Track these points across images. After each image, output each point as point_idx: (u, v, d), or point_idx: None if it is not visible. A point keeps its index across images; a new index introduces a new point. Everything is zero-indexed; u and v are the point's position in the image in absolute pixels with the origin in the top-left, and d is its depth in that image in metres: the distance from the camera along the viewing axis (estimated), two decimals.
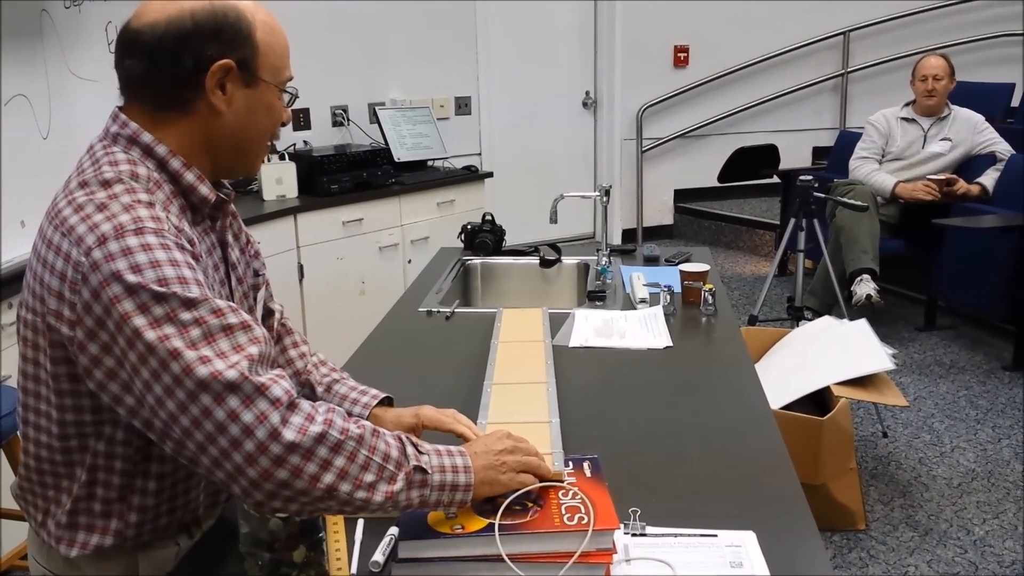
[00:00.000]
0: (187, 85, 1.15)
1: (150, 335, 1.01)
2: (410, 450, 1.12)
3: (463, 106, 5.44)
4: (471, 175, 4.63)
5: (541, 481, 1.22)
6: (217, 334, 1.03)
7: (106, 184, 1.10)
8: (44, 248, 1.10)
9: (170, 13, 1.13)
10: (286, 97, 1.25)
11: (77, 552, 1.19)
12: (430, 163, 4.72)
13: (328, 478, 1.03)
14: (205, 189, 1.21)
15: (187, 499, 1.24)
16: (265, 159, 1.34)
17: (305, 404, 1.05)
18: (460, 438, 1.35)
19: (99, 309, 1.04)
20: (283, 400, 1.02)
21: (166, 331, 1.01)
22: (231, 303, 1.09)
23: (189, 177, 1.19)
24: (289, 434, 1.01)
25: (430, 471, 1.12)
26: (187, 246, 1.11)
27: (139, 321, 1.02)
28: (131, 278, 1.02)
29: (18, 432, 1.27)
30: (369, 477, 1.06)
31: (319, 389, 1.47)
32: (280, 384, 1.04)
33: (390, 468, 1.08)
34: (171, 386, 1.01)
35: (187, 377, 1.00)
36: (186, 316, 1.03)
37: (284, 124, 1.28)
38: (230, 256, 1.31)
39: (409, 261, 4.26)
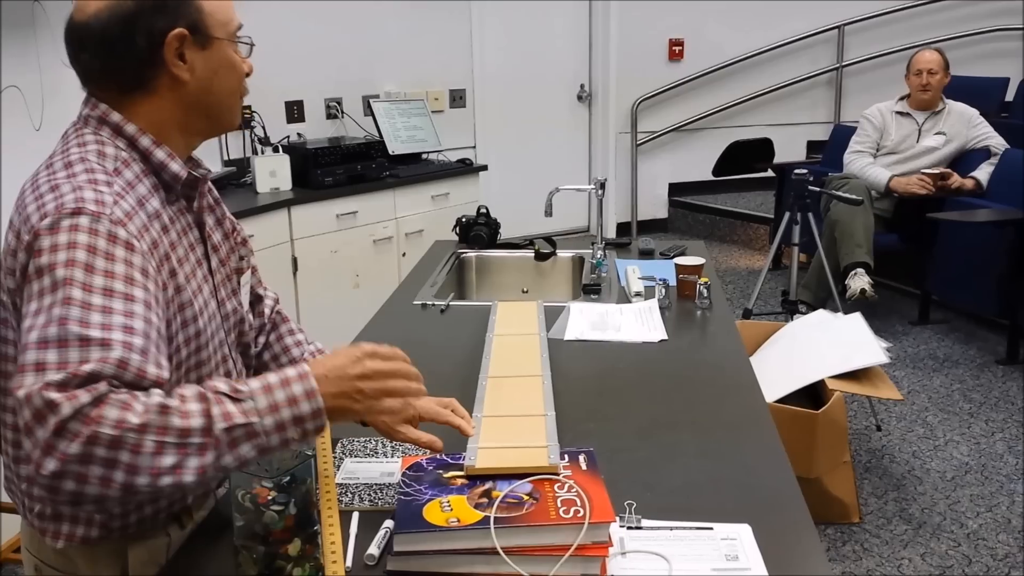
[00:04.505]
0: (147, 64, 1.16)
1: (26, 323, 1.02)
2: (217, 410, 1.00)
3: (458, 99, 5.43)
4: (466, 168, 4.62)
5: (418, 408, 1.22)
6: (71, 341, 0.99)
7: (68, 165, 1.13)
8: (7, 228, 1.13)
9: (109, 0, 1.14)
10: (244, 48, 1.25)
11: (63, 543, 1.19)
12: (424, 156, 4.71)
13: (119, 476, 0.95)
14: (176, 167, 1.22)
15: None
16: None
17: (94, 411, 0.95)
18: (462, 434, 1.34)
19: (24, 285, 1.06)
20: (65, 416, 0.94)
21: (37, 322, 1.01)
22: (125, 314, 1.03)
23: (159, 155, 1.20)
24: (50, 464, 0.94)
25: (257, 419, 1.02)
26: (126, 233, 1.08)
27: (31, 306, 1.03)
28: (44, 259, 1.04)
29: None
30: (168, 460, 0.97)
31: None
32: (72, 402, 0.95)
33: (194, 441, 0.98)
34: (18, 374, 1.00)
35: (20, 375, 0.98)
36: (56, 311, 1.01)
37: (248, 75, 1.27)
38: (210, 238, 1.31)
39: (403, 254, 4.26)
